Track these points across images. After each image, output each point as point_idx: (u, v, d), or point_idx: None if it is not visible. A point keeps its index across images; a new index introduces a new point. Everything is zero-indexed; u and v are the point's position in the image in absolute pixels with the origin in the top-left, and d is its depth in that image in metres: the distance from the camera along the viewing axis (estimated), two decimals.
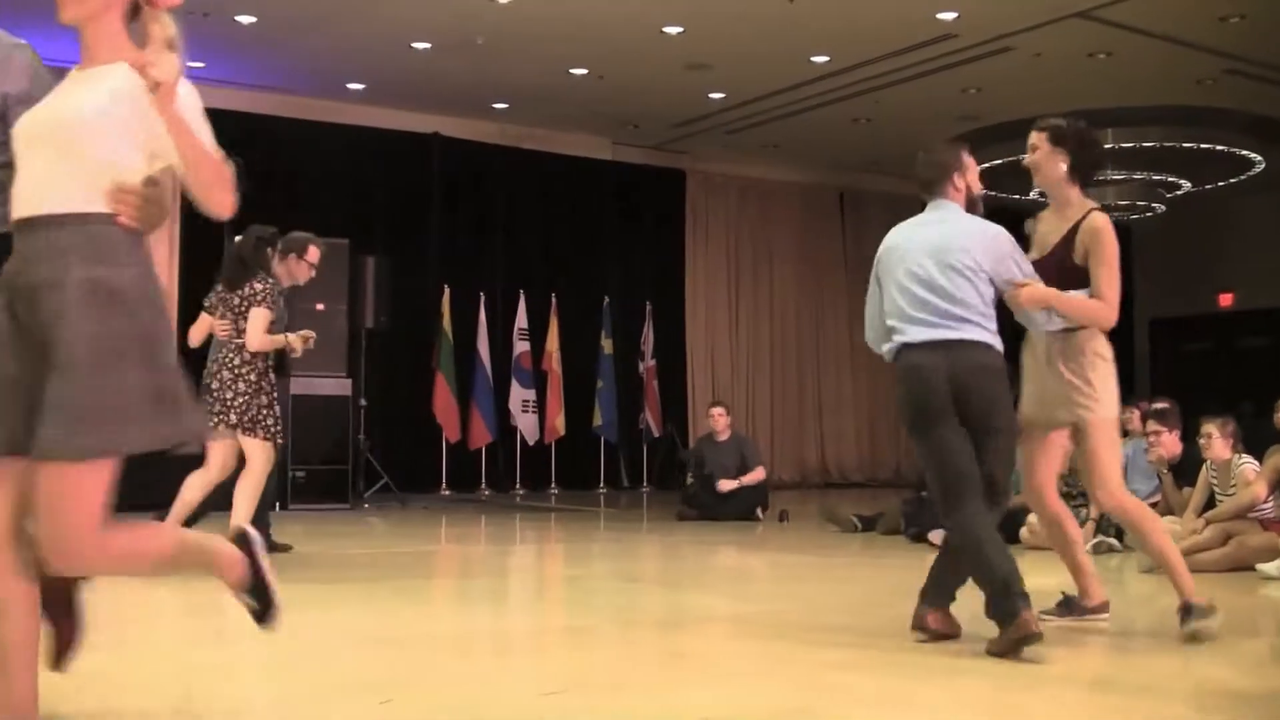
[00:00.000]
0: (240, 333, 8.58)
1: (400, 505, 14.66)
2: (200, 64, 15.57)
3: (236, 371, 8.49)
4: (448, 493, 17.04)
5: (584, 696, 4.52)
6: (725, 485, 13.07)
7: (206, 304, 8.96)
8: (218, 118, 13.33)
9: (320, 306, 14.26)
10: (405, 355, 17.26)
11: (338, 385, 14.21)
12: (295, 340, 8.89)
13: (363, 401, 14.91)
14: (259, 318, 8.57)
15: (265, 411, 8.48)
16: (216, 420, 8.34)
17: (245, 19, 13.98)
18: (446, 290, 17.24)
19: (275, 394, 8.66)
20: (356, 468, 14.57)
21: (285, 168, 16.82)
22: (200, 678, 4.93)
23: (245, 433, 8.38)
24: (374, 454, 15.24)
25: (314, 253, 9.35)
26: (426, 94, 16.88)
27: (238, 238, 9.23)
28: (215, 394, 8.43)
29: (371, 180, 17.57)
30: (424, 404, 17.13)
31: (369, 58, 15.42)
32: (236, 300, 8.66)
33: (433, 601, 7.73)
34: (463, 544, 11.59)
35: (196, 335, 8.94)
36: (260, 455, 8.42)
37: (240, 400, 8.42)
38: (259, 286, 8.62)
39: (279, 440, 8.57)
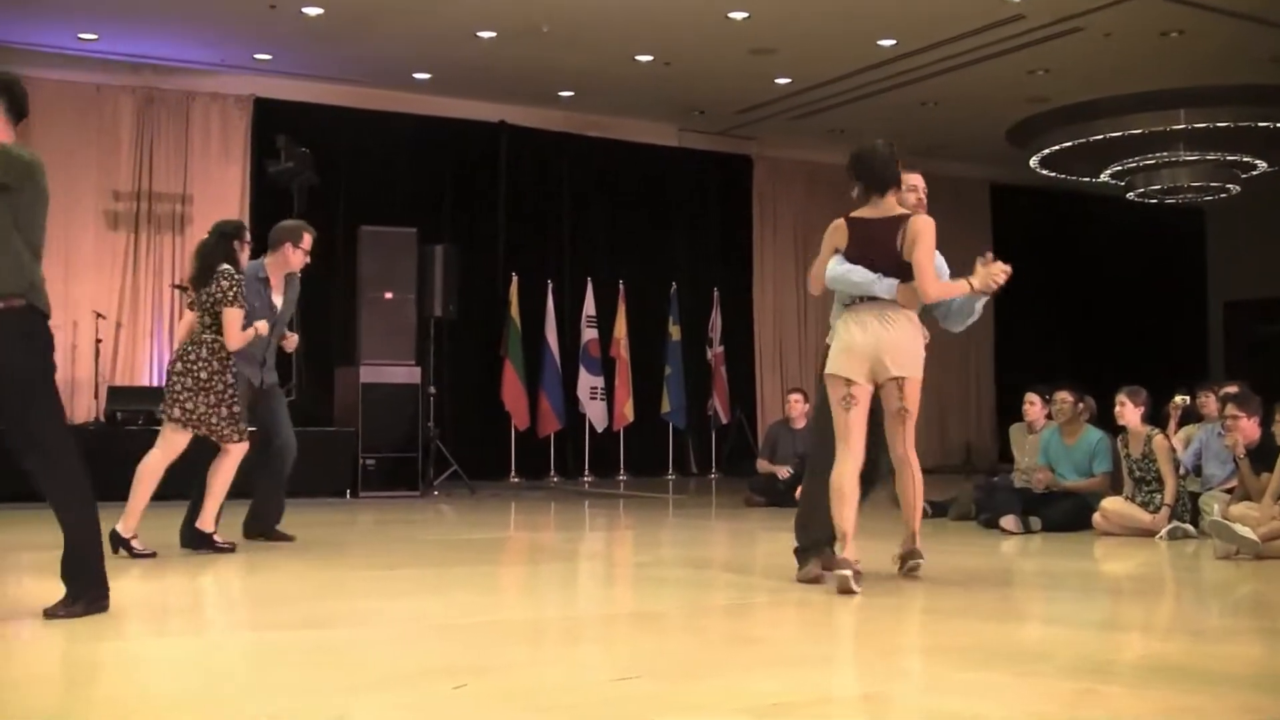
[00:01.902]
0: (205, 328, 8.59)
1: (470, 493, 14.70)
2: (267, 56, 15.69)
3: (189, 365, 8.50)
4: (517, 480, 17.08)
5: (655, 682, 4.51)
6: (780, 471, 13.05)
7: (189, 303, 9.00)
8: (285, 109, 13.62)
9: (389, 295, 14.33)
10: (473, 343, 17.31)
11: (407, 374, 14.27)
12: (289, 341, 9.44)
13: (431, 390, 14.94)
14: (233, 318, 8.56)
15: (210, 410, 8.48)
16: (164, 410, 8.60)
17: (312, 11, 14.04)
18: (514, 278, 17.29)
19: (229, 391, 8.58)
20: (426, 455, 14.61)
21: (352, 158, 16.94)
22: (271, 663, 4.95)
23: (182, 427, 8.52)
24: (443, 442, 15.28)
25: (308, 240, 9.36)
26: (492, 83, 16.91)
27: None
28: (169, 385, 8.57)
29: (438, 169, 17.64)
30: (492, 392, 17.19)
31: (435, 47, 15.46)
32: (204, 297, 8.64)
33: (503, 588, 7.74)
34: (532, 531, 11.61)
35: (181, 332, 8.96)
36: (235, 452, 8.72)
37: (184, 395, 8.47)
38: (225, 284, 8.59)
39: (227, 434, 8.67)
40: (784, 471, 13.19)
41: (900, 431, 7.02)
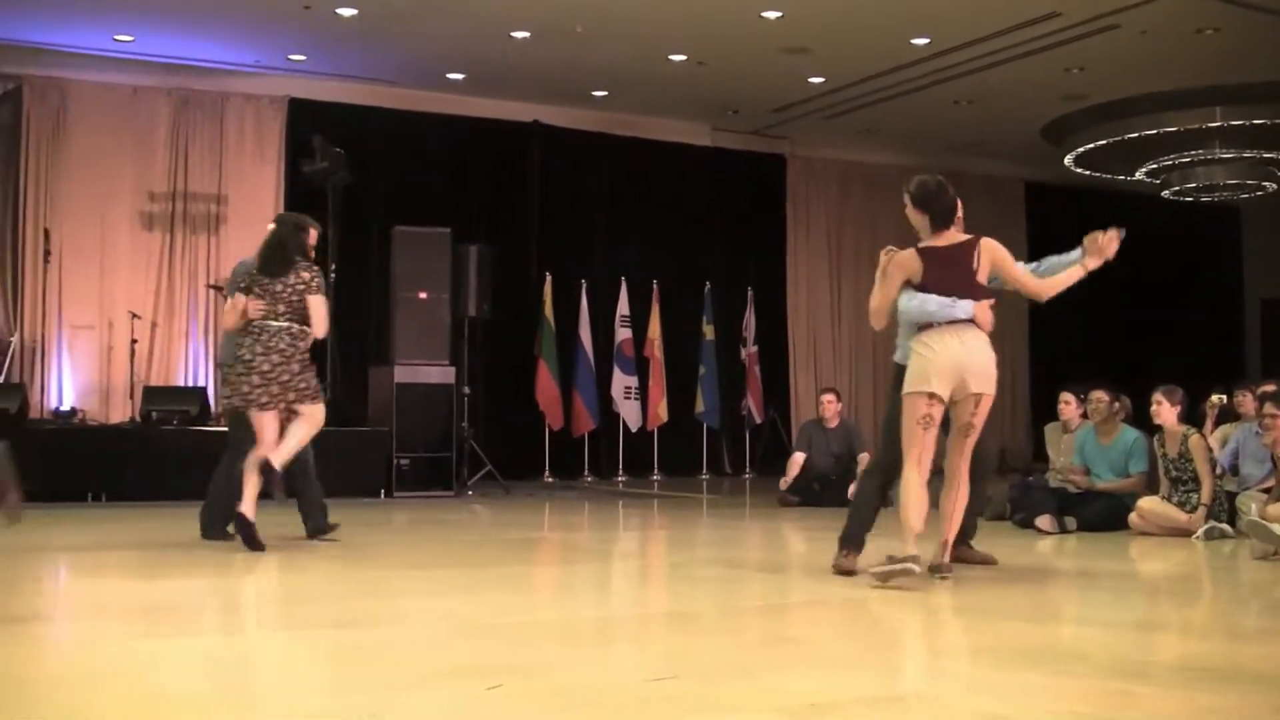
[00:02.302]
0: (277, 316, 8.72)
1: (504, 492, 14.71)
2: (302, 57, 15.74)
3: (286, 355, 8.69)
4: (551, 480, 17.10)
5: (689, 682, 4.51)
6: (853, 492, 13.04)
7: (242, 288, 8.98)
8: (319, 109, 13.67)
9: (423, 295, 14.36)
10: (507, 343, 17.34)
11: (441, 373, 14.29)
12: None
13: (466, 389, 14.96)
14: (323, 305, 8.84)
15: (315, 380, 8.91)
16: (275, 400, 8.64)
17: (346, 11, 14.08)
18: (548, 278, 17.31)
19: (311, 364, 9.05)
20: (460, 455, 14.63)
21: (386, 158, 16.99)
22: (306, 662, 4.97)
23: (311, 401, 8.76)
24: (477, 441, 15.30)
25: (314, 234, 9.37)
26: (526, 82, 16.94)
27: (270, 225, 9.25)
28: (269, 376, 8.66)
29: (472, 169, 17.68)
30: (527, 391, 17.21)
31: (469, 47, 15.48)
32: (280, 287, 8.73)
33: (538, 588, 7.75)
34: (566, 531, 11.62)
35: (231, 319, 8.93)
36: (321, 413, 8.90)
37: (298, 379, 8.70)
38: (308, 275, 8.84)
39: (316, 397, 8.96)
40: (787, 479, 13.20)
41: (962, 446, 7.25)
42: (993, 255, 7.42)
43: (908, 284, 7.44)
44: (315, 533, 9.26)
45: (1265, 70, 16.11)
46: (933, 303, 7.22)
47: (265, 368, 8.64)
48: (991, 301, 7.31)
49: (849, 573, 7.42)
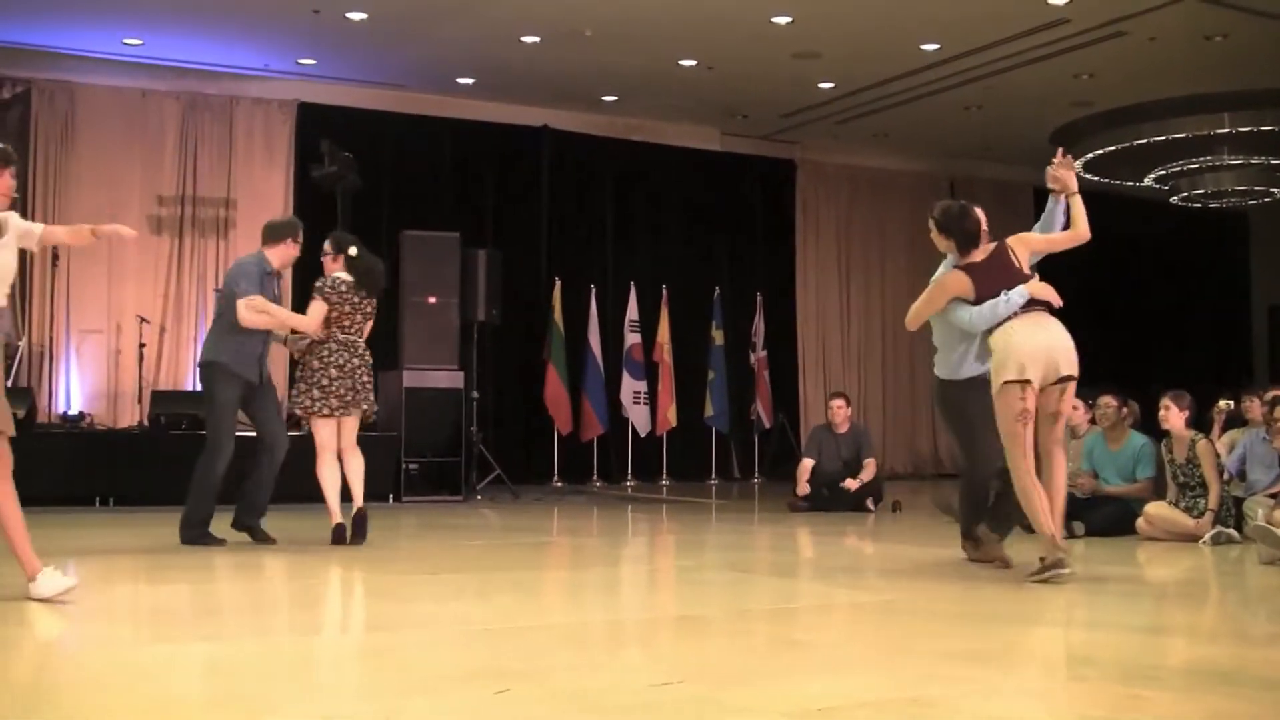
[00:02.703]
0: (348, 330, 9.38)
1: (513, 497, 14.73)
2: (311, 61, 15.76)
3: (369, 364, 9.47)
4: (559, 484, 17.10)
5: (699, 686, 4.51)
6: (851, 484, 12.99)
7: (331, 300, 9.24)
8: (329, 113, 13.66)
9: (432, 300, 14.38)
10: (516, 348, 17.35)
11: (450, 378, 14.31)
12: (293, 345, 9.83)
13: (475, 394, 14.97)
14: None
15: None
16: (356, 406, 9.40)
17: (356, 16, 14.11)
18: (557, 282, 17.32)
19: None
20: (469, 460, 14.65)
21: (396, 162, 17.02)
22: (316, 666, 4.97)
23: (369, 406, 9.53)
24: (486, 446, 15.31)
25: (300, 236, 9.66)
26: (536, 87, 16.96)
27: (352, 250, 9.36)
28: (366, 384, 9.40)
29: (482, 174, 17.70)
30: (535, 396, 17.22)
31: (478, 52, 15.51)
32: (358, 299, 9.37)
33: (546, 592, 7.75)
34: (575, 535, 11.62)
35: (318, 327, 9.17)
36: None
37: (369, 387, 9.50)
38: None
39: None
40: (803, 487, 13.19)
41: (1053, 433, 7.52)
42: (1026, 246, 7.79)
43: (957, 301, 7.69)
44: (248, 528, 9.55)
45: (1274, 76, 16.11)
46: (987, 308, 7.50)
47: (364, 377, 9.33)
48: (1035, 276, 7.64)
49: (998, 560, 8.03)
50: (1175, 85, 16.65)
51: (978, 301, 7.50)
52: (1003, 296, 7.41)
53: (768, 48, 15.25)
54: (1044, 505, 7.30)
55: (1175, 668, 5.06)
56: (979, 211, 7.99)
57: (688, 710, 4.14)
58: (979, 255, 7.68)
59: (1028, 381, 7.24)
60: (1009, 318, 7.40)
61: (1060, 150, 8.18)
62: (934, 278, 8.01)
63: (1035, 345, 7.29)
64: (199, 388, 15.51)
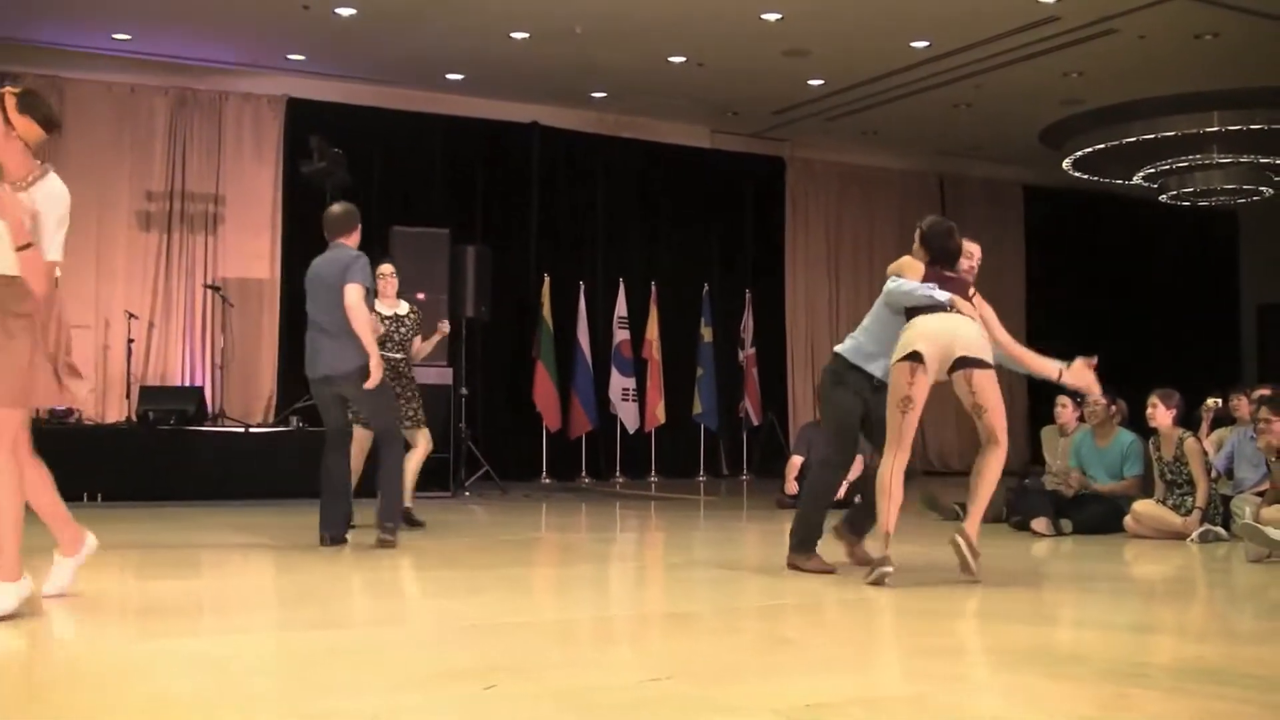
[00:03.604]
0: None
1: (501, 493, 14.72)
2: (301, 57, 15.74)
3: None
4: (548, 481, 17.10)
5: (687, 683, 4.51)
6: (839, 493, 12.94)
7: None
8: (318, 110, 13.62)
9: (421, 296, 14.36)
10: (505, 344, 17.35)
11: (439, 374, 14.28)
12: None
13: (463, 390, 14.96)
14: None
15: None
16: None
17: (345, 11, 14.09)
18: (546, 279, 17.31)
19: None
20: (458, 456, 14.63)
21: (385, 159, 16.99)
22: (305, 662, 4.97)
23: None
24: (475, 443, 15.30)
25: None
26: (525, 83, 16.94)
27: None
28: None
29: (471, 170, 17.68)
30: (524, 393, 17.22)
31: (468, 48, 15.48)
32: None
33: (535, 589, 7.75)
34: (564, 532, 11.62)
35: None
36: None
37: None
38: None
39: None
40: (792, 485, 13.18)
41: (984, 425, 7.60)
42: (984, 308, 7.63)
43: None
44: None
45: (1263, 75, 16.13)
46: (910, 285, 7.38)
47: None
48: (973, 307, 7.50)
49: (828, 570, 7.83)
50: (1165, 83, 16.67)
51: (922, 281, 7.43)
52: (930, 286, 7.32)
53: (758, 45, 15.24)
54: (892, 507, 7.23)
55: (1163, 666, 5.07)
56: (975, 249, 8.02)
57: (676, 707, 4.15)
58: (947, 272, 7.59)
59: (917, 359, 7.10)
60: (927, 310, 7.29)
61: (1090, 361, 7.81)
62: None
63: (936, 329, 7.20)
64: (191, 384, 15.61)
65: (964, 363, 7.19)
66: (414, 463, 10.33)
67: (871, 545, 7.92)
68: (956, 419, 21.12)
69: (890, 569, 7.03)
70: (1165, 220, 22.06)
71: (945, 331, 7.18)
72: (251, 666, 4.93)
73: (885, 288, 7.56)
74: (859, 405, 7.77)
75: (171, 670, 4.80)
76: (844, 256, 20.79)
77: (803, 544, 7.91)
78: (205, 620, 6.32)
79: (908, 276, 7.48)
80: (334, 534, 8.82)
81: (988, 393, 7.32)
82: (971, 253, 7.96)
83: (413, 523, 10.26)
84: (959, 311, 7.29)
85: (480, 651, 5.19)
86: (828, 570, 7.71)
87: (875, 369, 7.70)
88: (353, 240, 9.18)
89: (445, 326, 11.13)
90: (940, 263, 7.58)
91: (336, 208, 9.34)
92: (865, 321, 7.88)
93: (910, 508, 12.33)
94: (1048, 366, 7.78)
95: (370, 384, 8.67)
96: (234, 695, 4.35)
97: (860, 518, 8.24)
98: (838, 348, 7.98)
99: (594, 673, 4.83)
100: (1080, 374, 7.71)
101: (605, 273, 18.32)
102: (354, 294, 8.69)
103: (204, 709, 4.13)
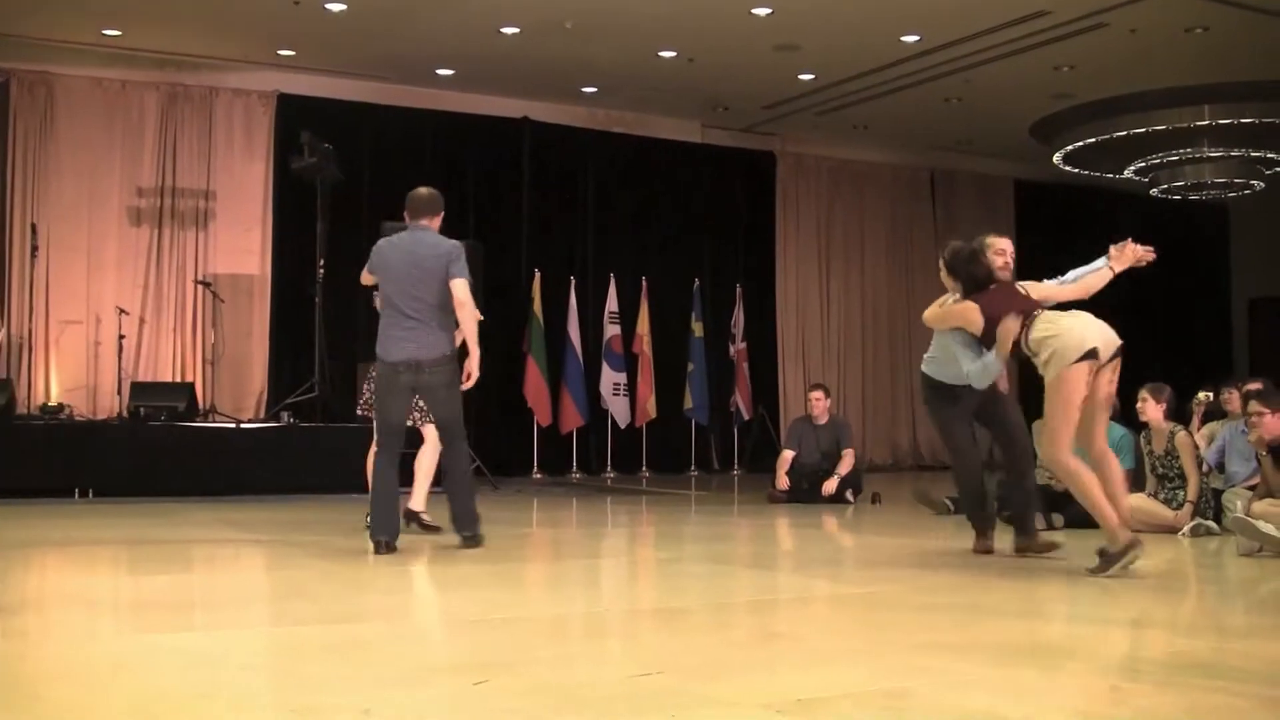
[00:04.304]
0: None
1: (492, 489, 14.71)
2: (291, 52, 15.72)
3: None
4: (539, 476, 17.10)
5: (678, 678, 4.51)
6: (828, 488, 12.93)
7: None
8: (309, 105, 13.68)
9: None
10: (496, 339, 17.28)
11: None
12: None
13: None
14: None
15: None
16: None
17: (335, 7, 14.08)
18: (537, 274, 17.30)
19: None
20: None
21: (375, 154, 16.99)
22: (296, 658, 4.96)
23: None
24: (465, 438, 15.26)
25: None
26: (516, 78, 16.93)
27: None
28: None
29: (462, 165, 17.66)
30: (515, 388, 17.21)
31: (458, 43, 15.48)
32: None
33: (525, 584, 7.75)
34: (554, 527, 11.61)
35: None
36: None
37: None
38: None
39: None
40: (782, 479, 13.18)
41: (1104, 420, 7.67)
42: (1033, 289, 7.80)
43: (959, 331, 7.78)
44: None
45: (1253, 69, 16.15)
46: (979, 369, 7.68)
47: None
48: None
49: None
50: (1155, 77, 16.69)
51: (986, 325, 7.47)
52: (992, 357, 7.50)
53: (748, 39, 15.24)
54: (1100, 490, 7.26)
55: (1154, 660, 5.07)
56: (1006, 245, 8.04)
57: (667, 702, 4.14)
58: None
59: (1094, 356, 7.18)
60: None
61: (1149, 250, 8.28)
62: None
63: (1091, 322, 7.33)
64: (182, 380, 15.59)
65: (1119, 351, 7.37)
66: (430, 459, 10.06)
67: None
68: None
69: (1140, 550, 7.15)
70: (1156, 214, 22.04)
71: (1094, 324, 7.35)
72: (243, 662, 4.92)
73: (958, 354, 7.76)
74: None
75: (163, 665, 4.79)
76: (835, 251, 20.79)
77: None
78: (197, 616, 6.31)
79: (969, 322, 7.61)
80: (389, 540, 8.37)
81: (1114, 385, 7.51)
82: (1004, 249, 8.00)
83: (425, 526, 9.75)
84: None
85: (471, 647, 5.19)
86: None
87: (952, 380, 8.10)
88: (436, 224, 9.01)
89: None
90: (972, 290, 7.68)
91: (423, 189, 9.11)
92: (935, 345, 8.25)
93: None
94: (1102, 274, 8.19)
95: (469, 383, 8.78)
96: (225, 690, 4.34)
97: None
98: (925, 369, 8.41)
99: (585, 668, 4.83)
100: (1125, 257, 8.21)
101: (596, 268, 18.32)
102: (465, 289, 8.62)
103: (195, 704, 4.12)
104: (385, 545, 8.31)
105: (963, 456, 8.47)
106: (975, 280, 7.66)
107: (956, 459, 8.58)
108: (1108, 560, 7.14)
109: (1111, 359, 7.30)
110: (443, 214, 9.08)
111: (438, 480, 9.39)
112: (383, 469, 8.53)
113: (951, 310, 7.77)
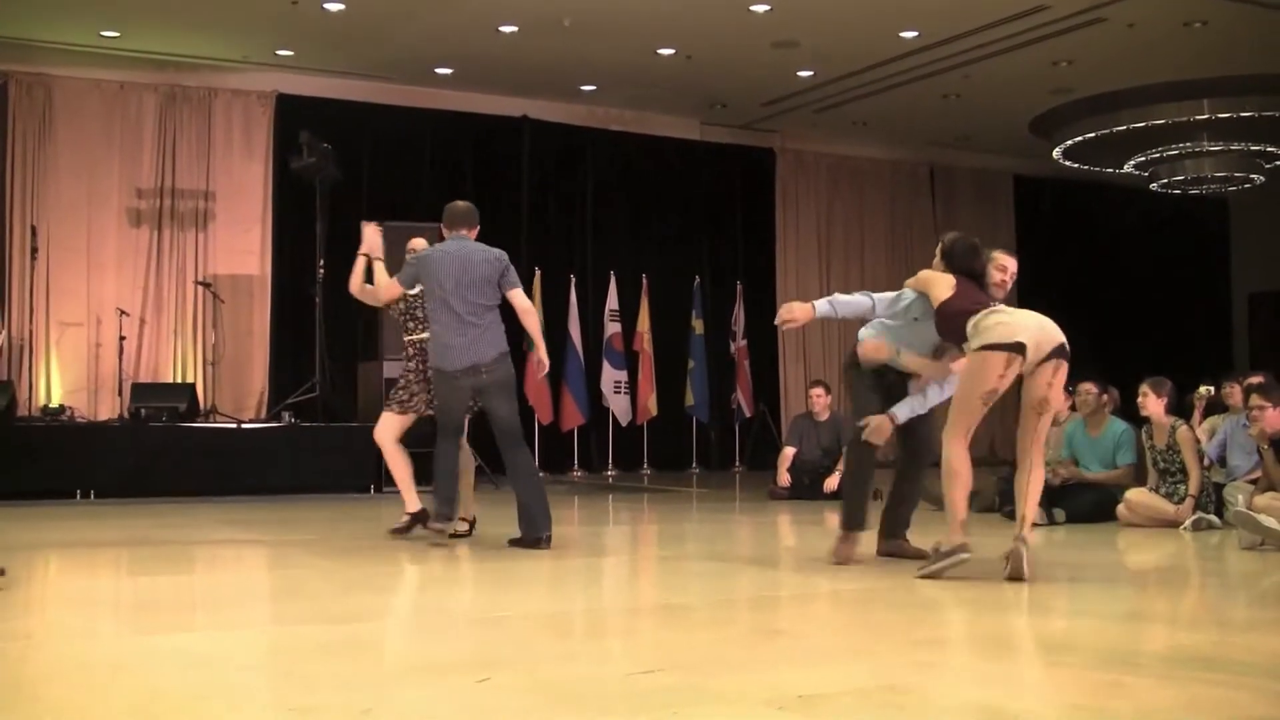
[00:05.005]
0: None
1: (493, 487, 14.69)
2: (290, 52, 15.72)
3: None
4: (540, 474, 17.04)
5: (679, 675, 4.51)
6: (830, 484, 12.93)
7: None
8: (308, 105, 13.65)
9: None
10: None
11: None
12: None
13: None
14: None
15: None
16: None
17: (334, 7, 14.08)
18: (537, 272, 17.29)
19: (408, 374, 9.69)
20: None
21: (374, 154, 16.99)
22: (297, 656, 4.96)
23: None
24: (466, 436, 15.24)
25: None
26: (515, 77, 16.93)
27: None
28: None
29: (461, 164, 17.67)
30: (516, 386, 17.16)
31: (457, 42, 15.47)
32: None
33: (527, 582, 7.74)
34: (556, 525, 11.58)
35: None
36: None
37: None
38: None
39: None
40: (784, 476, 13.18)
41: (1035, 424, 7.19)
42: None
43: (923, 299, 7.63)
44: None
45: (1252, 63, 16.14)
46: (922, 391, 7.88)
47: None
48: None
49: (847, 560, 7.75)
50: (1155, 72, 16.67)
51: (949, 300, 7.26)
52: (933, 389, 7.73)
53: (746, 36, 15.24)
54: (966, 486, 7.15)
55: (1156, 654, 5.07)
56: (1010, 263, 7.70)
57: (669, 699, 4.14)
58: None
59: (1019, 349, 6.84)
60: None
61: None
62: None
63: (1028, 318, 7.00)
64: (182, 381, 15.58)
65: (1060, 352, 6.97)
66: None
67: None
68: (947, 410, 21.10)
69: (968, 555, 6.95)
70: (1156, 209, 22.08)
71: (1036, 320, 7.02)
72: (243, 662, 4.93)
73: (906, 298, 7.71)
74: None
75: (164, 665, 4.79)
76: (834, 247, 20.79)
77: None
78: (198, 616, 6.31)
79: (937, 289, 7.38)
80: (447, 511, 8.79)
81: (1058, 389, 7.13)
82: (1005, 266, 7.64)
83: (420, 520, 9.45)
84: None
85: (473, 645, 5.19)
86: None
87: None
88: (473, 235, 9.35)
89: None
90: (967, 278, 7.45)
91: (461, 202, 9.60)
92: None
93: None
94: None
95: (544, 370, 9.95)
96: (226, 690, 4.35)
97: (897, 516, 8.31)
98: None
99: (586, 665, 4.83)
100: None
101: (596, 266, 18.32)
102: (525, 297, 9.27)
103: (195, 704, 4.12)
104: (444, 516, 8.80)
105: (859, 448, 8.27)
106: (970, 273, 7.44)
107: (853, 447, 8.33)
108: (936, 557, 7.03)
109: (1047, 359, 6.91)
110: (479, 226, 9.45)
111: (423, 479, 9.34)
112: (444, 451, 9.02)
113: (933, 275, 7.52)
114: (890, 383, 8.00)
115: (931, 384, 7.82)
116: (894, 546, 8.07)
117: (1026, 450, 7.12)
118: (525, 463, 9.02)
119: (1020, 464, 7.19)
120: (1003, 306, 7.23)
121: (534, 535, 8.72)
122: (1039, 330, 6.95)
